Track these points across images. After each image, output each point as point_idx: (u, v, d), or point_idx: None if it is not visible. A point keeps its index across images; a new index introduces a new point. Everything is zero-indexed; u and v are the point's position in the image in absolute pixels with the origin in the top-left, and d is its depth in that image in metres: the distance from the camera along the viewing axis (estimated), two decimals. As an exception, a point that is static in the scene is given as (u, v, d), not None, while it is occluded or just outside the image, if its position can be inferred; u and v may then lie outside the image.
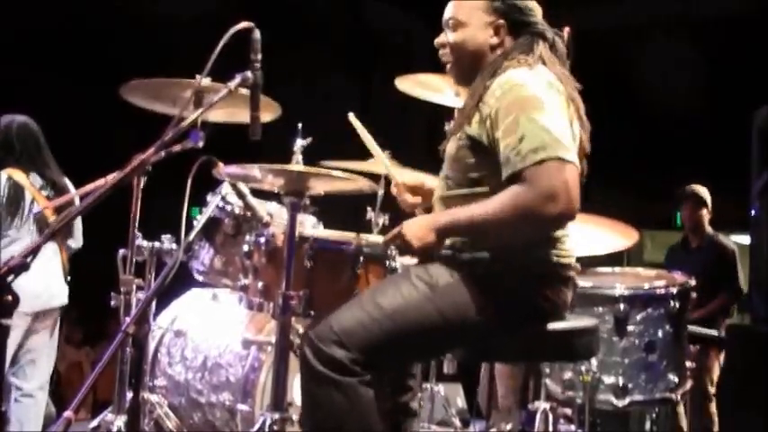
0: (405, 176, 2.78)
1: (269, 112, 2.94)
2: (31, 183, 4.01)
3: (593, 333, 2.54)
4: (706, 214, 5.42)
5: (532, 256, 2.34)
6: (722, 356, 5.01)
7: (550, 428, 3.51)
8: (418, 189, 2.74)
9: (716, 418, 4.90)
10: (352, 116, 2.78)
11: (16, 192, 3.96)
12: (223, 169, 2.79)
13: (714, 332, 4.85)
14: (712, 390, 4.97)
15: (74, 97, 5.72)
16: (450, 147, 2.44)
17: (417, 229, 2.30)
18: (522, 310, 2.34)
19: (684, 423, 4.78)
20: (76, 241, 4.20)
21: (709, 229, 5.45)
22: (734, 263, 5.32)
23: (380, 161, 2.81)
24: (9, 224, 3.92)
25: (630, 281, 3.70)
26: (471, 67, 2.46)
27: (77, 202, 3.99)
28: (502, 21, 2.43)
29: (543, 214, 2.17)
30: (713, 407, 4.94)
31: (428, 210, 2.66)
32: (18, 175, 4.00)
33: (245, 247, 2.97)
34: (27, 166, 4.04)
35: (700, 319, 4.51)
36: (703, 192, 5.43)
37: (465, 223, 2.27)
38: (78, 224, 4.20)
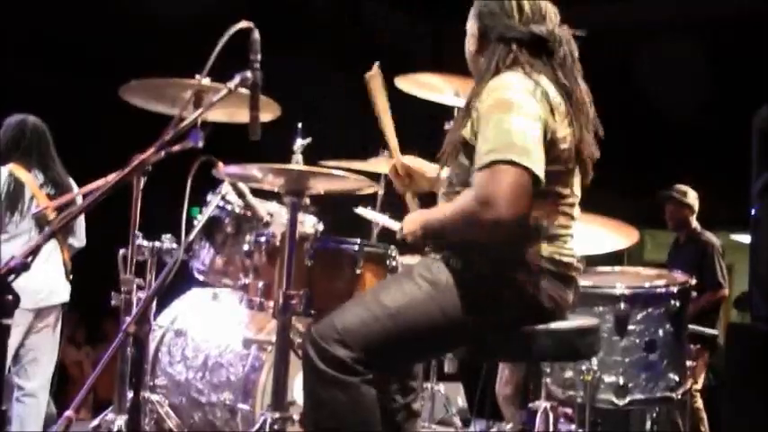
0: (406, 159, 2.77)
1: (269, 112, 2.94)
2: (32, 180, 4.02)
3: (595, 332, 2.55)
4: (689, 212, 5.49)
5: (530, 253, 2.33)
6: (707, 355, 5.04)
7: (551, 428, 3.50)
8: (413, 173, 2.73)
9: (702, 414, 4.96)
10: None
11: (16, 188, 3.97)
12: (223, 169, 2.80)
13: (714, 331, 4.86)
14: (696, 387, 4.98)
15: (74, 97, 5.72)
16: (450, 149, 2.46)
17: (409, 223, 2.43)
18: (525, 308, 2.34)
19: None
20: (79, 240, 4.21)
21: (694, 225, 5.50)
22: (713, 257, 5.36)
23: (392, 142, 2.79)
24: (8, 220, 3.92)
25: (631, 280, 3.70)
26: (475, 73, 2.53)
27: (79, 201, 3.99)
28: (480, 26, 2.47)
29: (480, 219, 2.18)
30: (698, 403, 4.97)
31: (429, 199, 2.68)
32: (20, 172, 4.01)
33: (246, 247, 2.97)
34: (31, 163, 4.05)
35: (692, 316, 4.51)
36: (684, 190, 5.49)
37: (436, 223, 2.36)
38: (81, 223, 4.20)
